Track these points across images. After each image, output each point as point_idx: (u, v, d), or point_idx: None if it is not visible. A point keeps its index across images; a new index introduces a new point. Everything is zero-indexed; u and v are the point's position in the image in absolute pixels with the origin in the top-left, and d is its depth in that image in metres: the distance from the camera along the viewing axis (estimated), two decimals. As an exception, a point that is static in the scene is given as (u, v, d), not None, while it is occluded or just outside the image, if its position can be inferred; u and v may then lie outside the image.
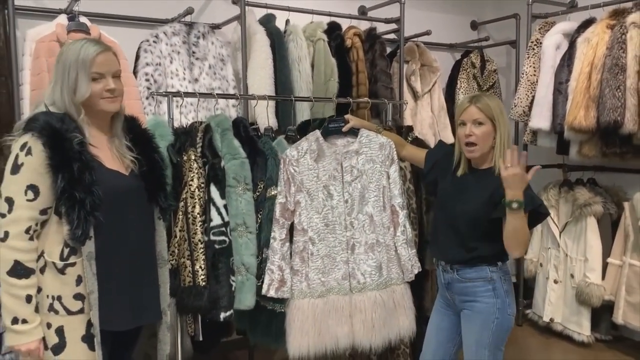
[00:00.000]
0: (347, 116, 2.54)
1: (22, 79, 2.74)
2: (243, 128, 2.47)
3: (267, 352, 3.56)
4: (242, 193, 2.30)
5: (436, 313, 2.36)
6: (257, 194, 2.39)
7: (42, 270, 1.69)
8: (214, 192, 2.25)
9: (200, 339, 2.53)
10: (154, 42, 3.06)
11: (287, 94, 3.20)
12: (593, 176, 3.85)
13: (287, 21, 3.50)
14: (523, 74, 3.84)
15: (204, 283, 2.19)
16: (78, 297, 1.71)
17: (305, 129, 2.78)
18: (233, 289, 2.26)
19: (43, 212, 1.67)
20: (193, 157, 2.22)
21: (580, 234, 3.66)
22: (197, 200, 2.21)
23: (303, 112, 3.31)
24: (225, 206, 2.26)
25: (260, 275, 2.35)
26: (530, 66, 3.80)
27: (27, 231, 1.64)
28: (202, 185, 2.24)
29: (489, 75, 4.41)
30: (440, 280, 2.29)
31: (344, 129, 2.48)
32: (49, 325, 1.70)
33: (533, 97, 3.73)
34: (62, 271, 1.69)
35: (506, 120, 2.13)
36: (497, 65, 4.50)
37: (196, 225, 2.19)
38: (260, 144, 2.46)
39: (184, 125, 2.40)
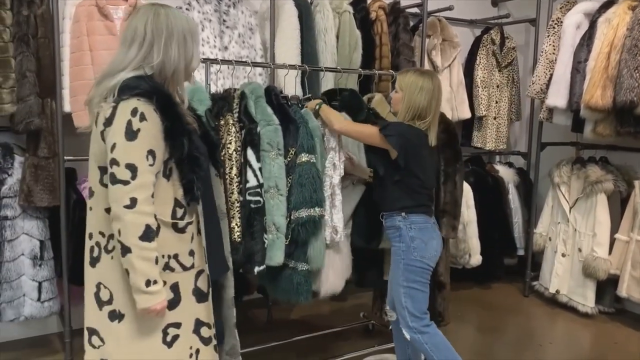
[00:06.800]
0: None
1: (62, 42, 2.84)
2: (274, 96, 2.57)
3: (285, 311, 3.74)
4: (275, 157, 2.42)
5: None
6: (289, 159, 2.50)
7: (157, 232, 1.71)
8: (251, 156, 2.37)
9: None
10: (187, 9, 3.15)
11: (313, 64, 3.29)
12: (605, 155, 3.96)
13: (314, -8, 3.57)
14: (542, 52, 3.90)
15: (239, 239, 2.33)
16: (191, 253, 1.79)
17: (331, 97, 2.88)
18: (266, 245, 2.41)
19: (156, 176, 1.68)
20: (231, 122, 2.34)
21: (590, 210, 3.78)
22: (234, 162, 2.33)
23: (327, 82, 3.40)
24: (260, 169, 2.39)
25: (288, 234, 2.49)
26: (549, 45, 3.86)
27: (151, 195, 1.66)
28: (239, 148, 2.36)
29: (507, 52, 4.47)
30: None
31: None
32: (164, 283, 1.73)
33: (551, 75, 3.80)
34: (182, 230, 1.76)
35: (417, 96, 2.39)
36: (516, 43, 4.56)
37: (233, 186, 2.33)
38: (291, 112, 2.57)
39: (219, 92, 2.51)
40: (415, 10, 4.06)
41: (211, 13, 3.22)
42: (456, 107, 4.21)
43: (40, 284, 2.87)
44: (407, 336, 2.43)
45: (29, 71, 2.68)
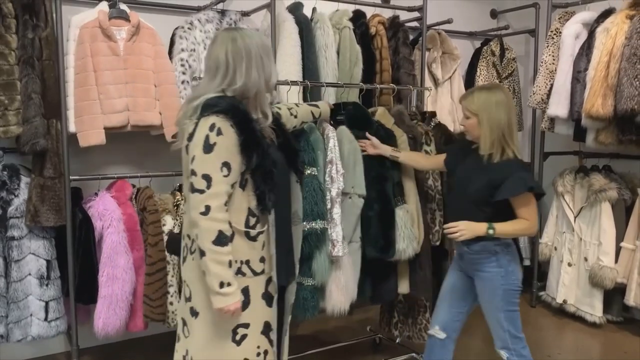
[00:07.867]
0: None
1: (67, 63, 2.87)
2: (277, 112, 2.60)
3: (292, 326, 3.70)
4: (278, 172, 2.44)
5: (451, 274, 2.60)
6: (290, 172, 2.52)
7: (230, 238, 1.84)
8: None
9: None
10: (189, 28, 3.18)
11: (314, 80, 3.32)
12: (609, 163, 3.96)
13: (314, 9, 3.60)
14: (542, 62, 3.93)
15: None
16: (262, 260, 1.93)
17: (336, 113, 2.91)
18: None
19: (232, 186, 1.83)
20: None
21: (594, 219, 3.78)
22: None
23: (329, 98, 3.43)
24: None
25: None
26: (549, 55, 3.89)
27: (225, 204, 1.80)
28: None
29: (508, 63, 4.50)
30: (456, 251, 2.56)
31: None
32: None
33: (551, 85, 3.83)
34: (254, 238, 1.90)
35: (495, 113, 2.27)
36: (516, 54, 4.59)
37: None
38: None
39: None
40: (414, 24, 4.08)
41: (213, 32, 3.25)
42: (458, 119, 4.22)
43: (47, 303, 2.87)
44: (505, 357, 2.41)
45: (34, 93, 2.71)
